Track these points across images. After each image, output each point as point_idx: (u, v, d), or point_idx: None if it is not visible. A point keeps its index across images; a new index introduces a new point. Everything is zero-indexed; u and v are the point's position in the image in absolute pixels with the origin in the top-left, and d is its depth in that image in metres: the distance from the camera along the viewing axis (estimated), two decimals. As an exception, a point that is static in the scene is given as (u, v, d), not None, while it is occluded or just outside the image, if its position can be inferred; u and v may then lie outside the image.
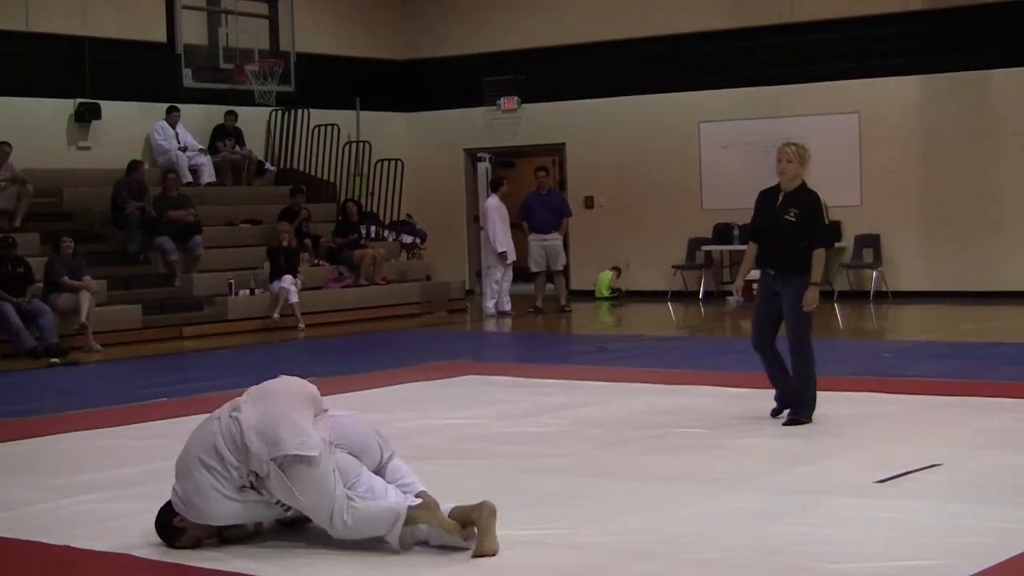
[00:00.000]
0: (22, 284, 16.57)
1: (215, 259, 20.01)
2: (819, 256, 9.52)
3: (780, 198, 9.62)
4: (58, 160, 20.55)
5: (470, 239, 24.64)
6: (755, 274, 9.94)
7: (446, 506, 6.38)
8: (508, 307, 20.69)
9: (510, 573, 6.04)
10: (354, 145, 23.55)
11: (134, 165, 19.81)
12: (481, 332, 19.51)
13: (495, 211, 20.64)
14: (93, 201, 20.06)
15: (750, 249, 9.94)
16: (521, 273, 21.77)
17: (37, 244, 18.24)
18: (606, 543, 6.50)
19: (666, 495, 7.57)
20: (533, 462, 8.60)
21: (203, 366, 15.49)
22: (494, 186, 21.19)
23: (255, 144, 23.15)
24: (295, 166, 23.46)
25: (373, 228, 22.62)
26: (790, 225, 9.49)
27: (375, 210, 23.54)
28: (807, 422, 9.57)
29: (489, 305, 20.63)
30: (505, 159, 25.41)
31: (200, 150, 22.00)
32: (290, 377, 6.76)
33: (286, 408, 6.41)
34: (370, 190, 23.67)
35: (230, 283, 19.38)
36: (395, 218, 23.62)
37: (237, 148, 22.60)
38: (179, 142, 21.72)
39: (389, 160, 23.56)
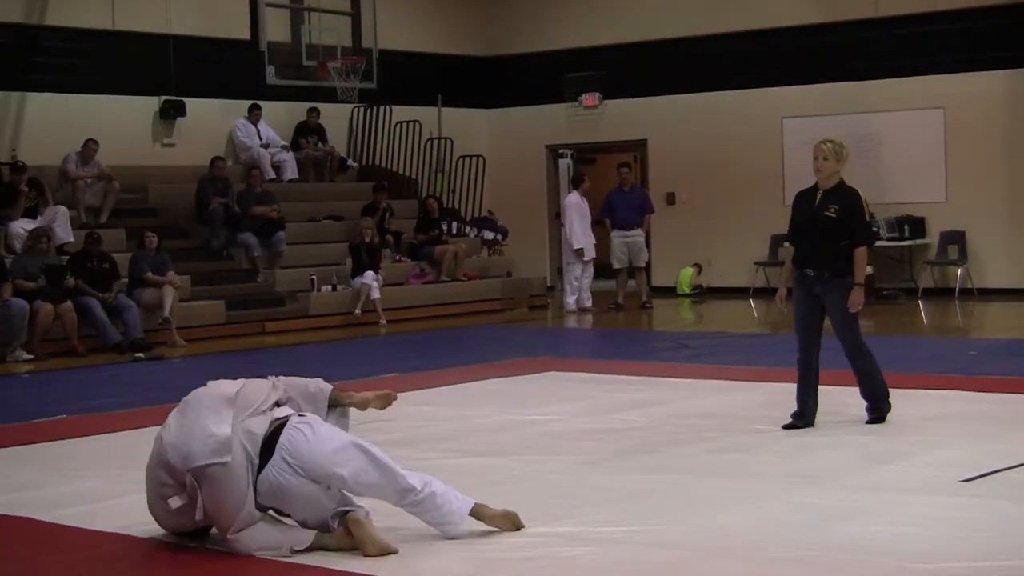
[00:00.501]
0: (108, 280, 16.73)
1: (297, 255, 20.11)
2: (861, 255, 9.28)
3: (818, 196, 9.39)
4: (143, 157, 20.75)
5: (551, 235, 24.62)
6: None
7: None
8: (589, 303, 20.66)
9: (593, 570, 6.01)
10: (436, 141, 23.59)
11: (214, 161, 19.95)
12: (562, 328, 19.48)
13: (574, 207, 20.61)
14: (177, 197, 20.24)
15: (789, 253, 9.68)
16: (603, 269, 21.72)
17: (123, 240, 18.42)
18: (688, 540, 6.46)
19: (749, 492, 7.52)
20: (614, 459, 8.57)
21: (285, 362, 15.55)
22: (575, 182, 21.16)
23: (337, 141, 23.26)
24: (377, 163, 23.54)
25: (455, 224, 22.65)
26: (829, 222, 9.26)
27: (457, 206, 23.57)
28: (888, 411, 9.53)
29: (570, 301, 20.60)
30: (586, 155, 25.35)
31: (283, 147, 22.13)
32: (214, 381, 6.70)
33: (199, 416, 6.35)
34: (452, 186, 23.70)
35: (312, 279, 19.47)
36: (476, 214, 23.64)
37: (320, 145, 22.71)
38: (261, 139, 21.86)
39: (471, 156, 23.59)
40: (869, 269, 20.30)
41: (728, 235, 22.75)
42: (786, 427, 9.41)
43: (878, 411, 9.52)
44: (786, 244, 9.75)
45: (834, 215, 9.23)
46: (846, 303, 9.21)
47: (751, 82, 22.68)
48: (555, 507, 7.17)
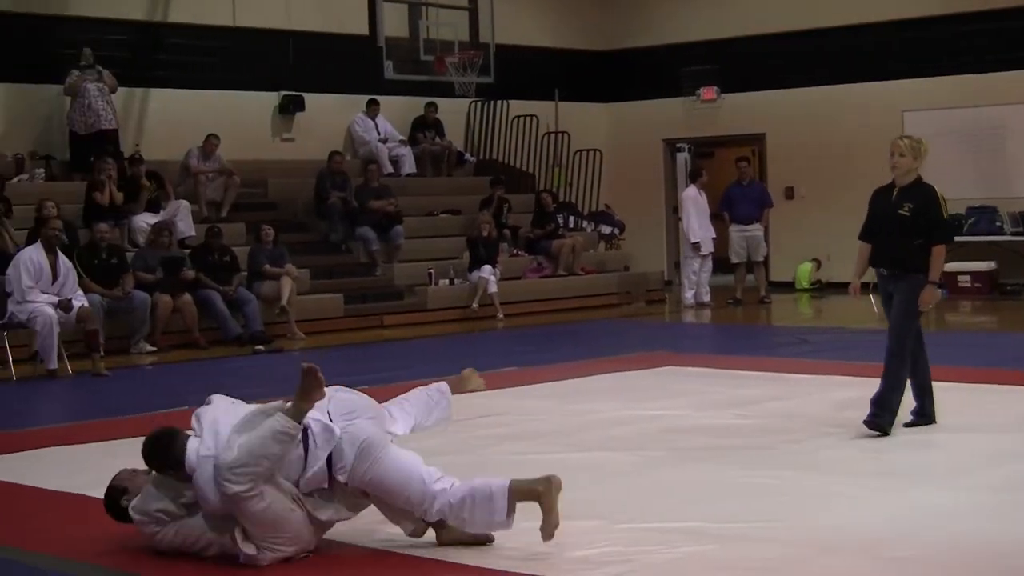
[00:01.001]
0: (228, 273, 16.92)
1: (415, 249, 20.21)
2: (939, 253, 8.97)
3: (894, 194, 9.18)
4: (263, 151, 20.97)
5: (669, 229, 24.52)
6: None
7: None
8: (707, 298, 20.55)
9: (711, 567, 5.97)
10: (553, 136, 23.59)
11: (332, 156, 20.10)
12: (679, 323, 19.40)
13: (691, 201, 20.51)
14: (297, 191, 20.42)
15: (862, 249, 9.49)
16: (722, 264, 21.60)
17: (243, 234, 18.62)
18: (805, 536, 6.41)
19: (867, 489, 7.44)
20: (731, 454, 8.52)
21: (403, 355, 15.66)
22: (693, 176, 21.06)
23: (455, 135, 23.33)
24: (494, 157, 23.59)
25: (572, 218, 22.64)
26: (904, 220, 9.00)
27: (574, 200, 23.55)
28: (886, 429, 8.95)
29: (688, 296, 20.51)
30: (704, 149, 25.23)
31: (400, 141, 22.25)
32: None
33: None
34: (569, 180, 23.68)
35: (430, 273, 19.55)
36: (594, 208, 23.61)
37: (437, 139, 22.80)
38: (379, 133, 22.00)
39: (588, 150, 23.55)
40: (976, 266, 20.22)
41: (847, 230, 22.13)
42: (907, 425, 9.18)
43: (878, 419, 8.99)
44: (859, 240, 9.55)
45: (908, 213, 9.00)
46: (909, 297, 8.96)
47: (871, 75, 22.40)
48: (671, 502, 7.15)
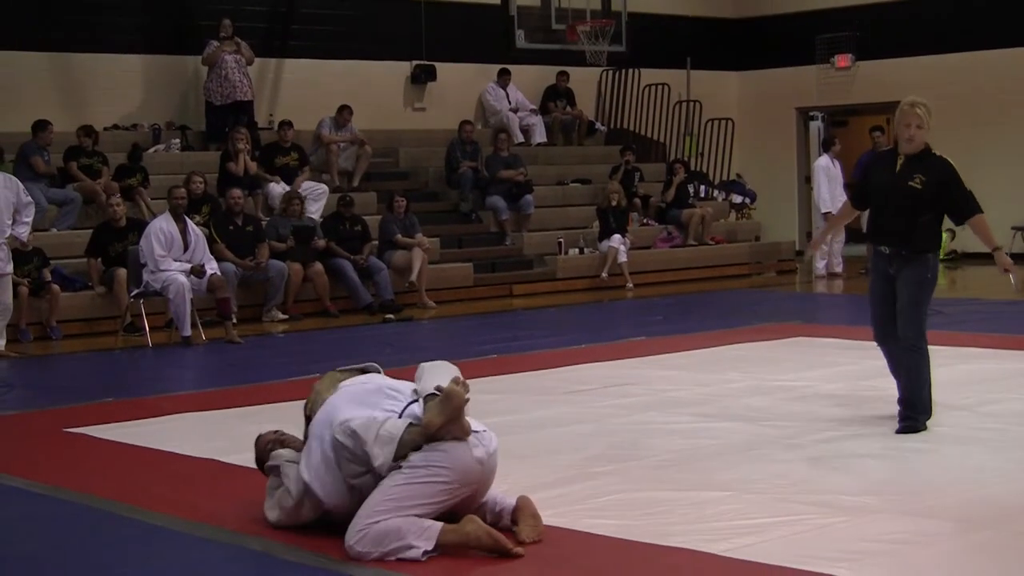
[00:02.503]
0: (360, 242, 17.05)
1: (545, 218, 20.22)
2: (983, 224, 8.42)
3: (899, 163, 8.26)
4: (395, 121, 21.10)
5: (801, 199, 24.29)
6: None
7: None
8: (840, 268, 20.33)
9: (846, 539, 5.92)
10: (684, 104, 23.44)
11: (463, 125, 20.15)
12: (811, 293, 19.22)
13: (823, 171, 20.28)
14: (428, 161, 20.52)
15: (845, 208, 8.98)
16: (854, 234, 21.33)
17: (374, 203, 18.75)
18: (940, 510, 6.32)
19: (1007, 461, 7.32)
20: (865, 426, 8.42)
21: (532, 324, 15.69)
22: (826, 145, 20.83)
23: (586, 104, 23.29)
24: (625, 126, 23.51)
25: (703, 188, 22.51)
26: (915, 193, 8.10)
27: (705, 170, 23.41)
28: (923, 429, 8.13)
29: (820, 266, 20.30)
30: (838, 118, 24.93)
31: (531, 110, 22.26)
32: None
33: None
34: (700, 150, 23.54)
35: (560, 242, 19.56)
36: (725, 178, 23.45)
37: (568, 108, 22.77)
38: (510, 102, 22.02)
39: (720, 119, 23.39)
40: None
41: (985, 199, 21.75)
42: (900, 431, 8.20)
43: (912, 420, 8.17)
44: (849, 203, 9.00)
45: (920, 187, 8.12)
46: (920, 280, 8.19)
47: (1010, 41, 21.96)
48: (802, 474, 7.09)
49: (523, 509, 6.09)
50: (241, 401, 10.10)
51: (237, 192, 16.13)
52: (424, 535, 5.75)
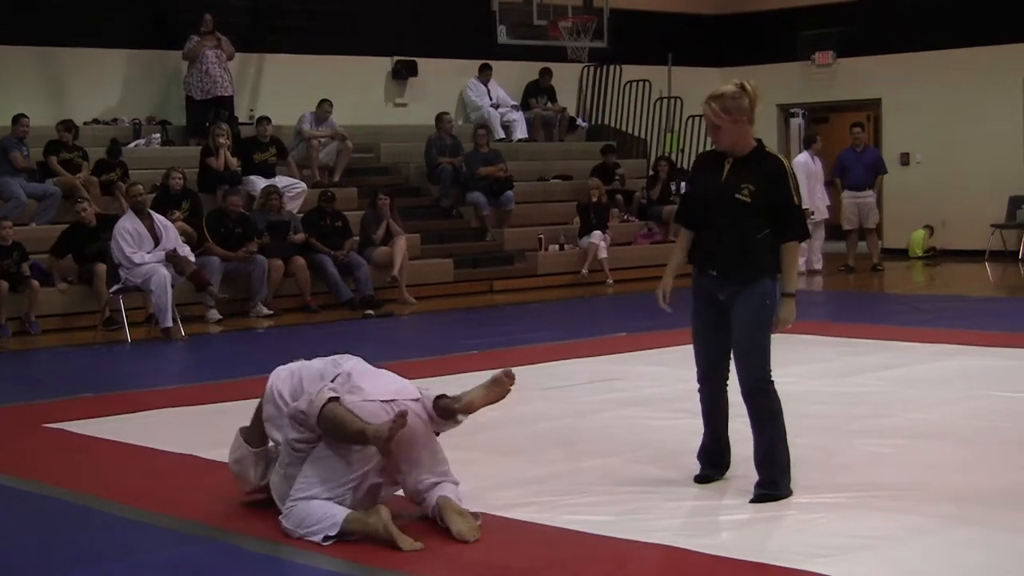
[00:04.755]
0: (340, 238, 17.01)
1: (526, 214, 20.20)
2: (793, 253, 6.64)
3: (726, 167, 6.64)
4: (376, 116, 21.07)
5: (781, 196, 24.28)
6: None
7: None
8: (819, 265, 20.34)
9: (819, 534, 5.92)
10: (666, 101, 23.44)
11: (441, 117, 20.10)
12: (791, 290, 19.19)
13: (802, 168, 20.24)
14: (409, 156, 20.49)
15: (681, 237, 6.96)
16: (834, 231, 21.37)
17: (355, 199, 18.71)
18: (924, 506, 6.32)
19: (991, 458, 7.33)
20: (846, 422, 8.43)
21: (514, 320, 15.68)
22: (807, 142, 20.83)
23: (567, 100, 23.28)
24: (607, 122, 23.50)
25: (683, 184, 22.49)
26: (742, 207, 6.50)
27: (686, 166, 23.39)
28: (787, 494, 6.54)
29: (799, 263, 20.28)
30: (819, 114, 24.96)
31: (513, 106, 22.25)
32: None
33: None
34: (681, 146, 23.53)
35: (540, 238, 19.54)
36: (706, 174, 23.41)
37: (549, 104, 22.76)
38: (492, 98, 22.00)
39: (701, 116, 23.29)
40: None
41: (963, 196, 22.15)
42: (699, 478, 6.94)
43: (772, 487, 6.55)
44: (675, 223, 7.32)
45: (748, 198, 6.49)
46: (758, 314, 6.59)
47: (990, 38, 22.00)
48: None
49: (444, 508, 6.07)
50: (220, 397, 10.06)
51: (236, 200, 16.27)
52: (330, 521, 5.91)
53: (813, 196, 20.05)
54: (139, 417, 9.47)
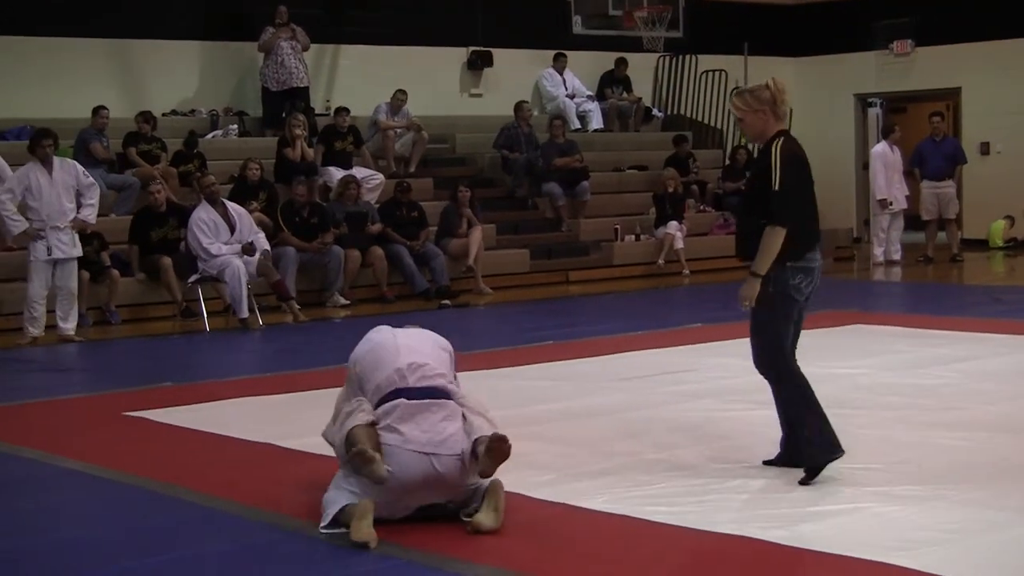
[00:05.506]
0: (416, 228, 17.06)
1: (602, 205, 20.18)
2: (768, 236, 6.69)
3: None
4: (451, 107, 21.12)
5: (859, 186, 24.13)
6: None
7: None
8: (898, 256, 20.18)
9: (894, 527, 5.89)
10: (742, 91, 23.29)
11: (519, 106, 20.09)
12: (869, 281, 19.09)
13: (880, 158, 20.13)
14: (484, 147, 20.51)
15: None
16: (913, 221, 21.20)
17: (430, 189, 18.77)
18: (1000, 500, 6.28)
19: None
20: (923, 415, 8.37)
21: (588, 311, 15.68)
22: (884, 133, 20.68)
23: (643, 90, 23.22)
24: (682, 112, 23.43)
25: (759, 174, 22.38)
26: (746, 196, 7.04)
27: (761, 156, 23.27)
28: (816, 471, 6.69)
29: (877, 253, 20.17)
30: (897, 104, 24.75)
31: (588, 96, 22.22)
32: None
33: None
34: (757, 136, 23.40)
35: (616, 228, 19.51)
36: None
37: (625, 94, 22.71)
38: (567, 89, 21.98)
39: (777, 106, 23.22)
40: None
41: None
42: (767, 462, 7.10)
43: (808, 468, 6.73)
44: None
45: (745, 189, 7.19)
46: (759, 299, 6.83)
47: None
48: (860, 463, 7.04)
49: (492, 491, 6.11)
50: (297, 387, 10.14)
51: (301, 190, 16.32)
52: (330, 509, 6.06)
53: (891, 186, 19.92)
54: (217, 406, 9.56)
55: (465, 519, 6.07)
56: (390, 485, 6.01)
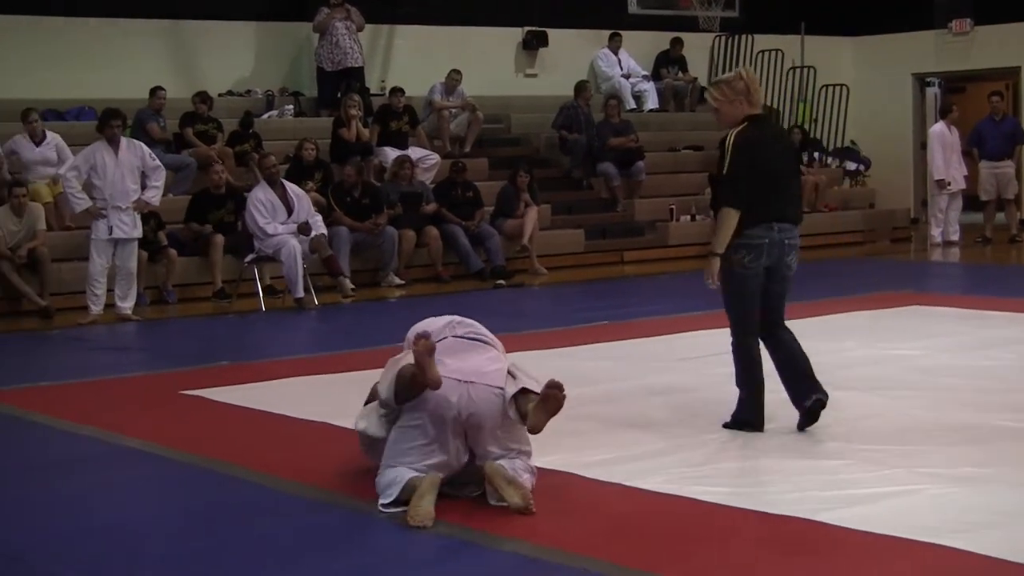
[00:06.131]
0: (471, 208, 17.07)
1: (657, 185, 20.13)
2: (721, 217, 7.30)
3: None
4: (506, 87, 21.10)
5: (916, 166, 23.94)
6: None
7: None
8: (956, 236, 20.03)
9: (957, 510, 5.85)
10: (798, 71, 23.20)
11: (581, 86, 20.05)
12: (926, 262, 18.97)
13: (937, 138, 19.97)
14: (539, 127, 20.49)
15: None
16: (971, 201, 21.04)
17: (486, 169, 18.77)
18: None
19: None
20: (981, 396, 8.31)
21: (643, 291, 15.64)
22: (943, 112, 20.52)
23: (698, 70, 23.11)
24: (738, 92, 23.27)
25: (816, 155, 22.28)
26: (712, 181, 7.86)
27: (818, 136, 23.17)
28: (738, 426, 7.47)
29: (935, 234, 20.03)
30: (955, 84, 24.54)
31: (643, 76, 22.15)
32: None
33: None
34: (814, 116, 23.30)
35: (671, 209, 19.44)
36: (839, 145, 23.19)
37: (680, 74, 22.63)
38: (622, 69, 21.92)
39: (834, 85, 23.12)
40: None
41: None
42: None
43: (739, 423, 7.50)
44: None
45: (713, 172, 7.76)
46: (723, 277, 7.40)
47: None
48: (918, 444, 7.01)
49: (493, 475, 6.09)
50: (352, 366, 10.16)
51: (350, 171, 16.28)
52: (392, 488, 6.07)
53: (949, 166, 19.77)
54: (273, 385, 9.61)
55: (497, 503, 6.06)
56: (428, 408, 6.08)
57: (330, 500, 6.40)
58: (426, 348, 6.03)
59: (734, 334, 7.49)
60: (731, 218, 7.18)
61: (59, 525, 6.19)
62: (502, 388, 6.12)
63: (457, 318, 6.63)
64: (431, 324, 6.55)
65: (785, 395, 7.54)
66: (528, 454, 6.26)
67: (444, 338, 6.35)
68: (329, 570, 5.42)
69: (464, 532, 5.75)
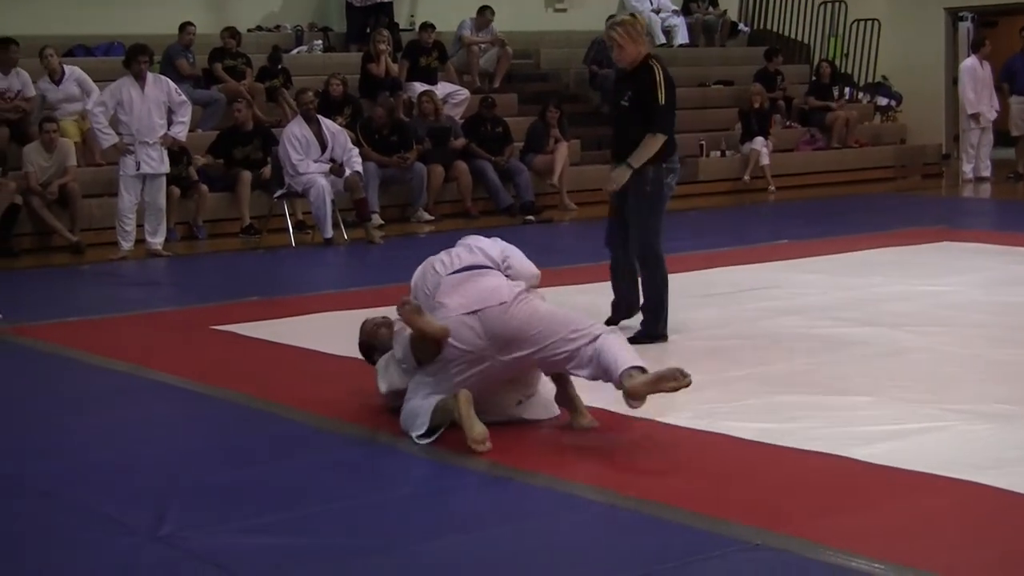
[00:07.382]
0: (500, 144, 17.04)
1: (687, 120, 19.95)
2: (650, 140, 8.18)
3: (620, 79, 8.63)
4: (535, 22, 21.02)
5: (948, 102, 23.76)
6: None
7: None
8: (987, 172, 19.92)
9: (990, 447, 5.85)
10: (830, 5, 23.02)
11: (611, 19, 19.93)
12: (957, 198, 18.89)
13: (969, 72, 19.82)
14: (568, 63, 20.41)
15: None
16: (1003, 137, 20.90)
17: (515, 105, 18.72)
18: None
19: None
20: (1011, 333, 8.29)
21: (673, 227, 15.51)
22: (974, 47, 20.35)
23: (729, 4, 22.98)
24: (769, 27, 23.17)
25: (847, 90, 22.14)
26: (625, 111, 8.30)
27: (850, 72, 23.01)
28: (663, 337, 8.31)
29: (966, 170, 19.92)
30: (988, 18, 24.30)
31: (673, 11, 22.02)
32: None
33: None
34: (845, 51, 23.13)
35: (701, 144, 19.37)
36: (870, 80, 23.03)
37: (710, 9, 22.49)
38: (652, 4, 21.79)
39: (866, 20, 22.93)
40: None
41: None
42: (609, 320, 8.38)
43: (651, 331, 8.33)
44: None
45: (627, 103, 8.29)
46: (637, 195, 8.30)
47: None
48: (947, 380, 7.01)
49: (575, 410, 6.35)
50: (382, 302, 10.16)
51: (380, 112, 16.16)
52: (420, 419, 6.10)
53: (980, 101, 19.64)
54: (304, 320, 9.65)
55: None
56: (448, 357, 6.11)
57: (363, 434, 6.44)
58: (412, 310, 6.10)
59: (647, 245, 8.33)
60: (659, 142, 8.19)
61: (92, 459, 6.24)
62: (505, 300, 6.18)
63: (443, 254, 6.61)
64: (420, 277, 6.63)
65: (808, 331, 7.53)
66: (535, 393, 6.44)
67: (439, 282, 6.38)
68: (368, 501, 5.44)
69: (503, 469, 5.76)
